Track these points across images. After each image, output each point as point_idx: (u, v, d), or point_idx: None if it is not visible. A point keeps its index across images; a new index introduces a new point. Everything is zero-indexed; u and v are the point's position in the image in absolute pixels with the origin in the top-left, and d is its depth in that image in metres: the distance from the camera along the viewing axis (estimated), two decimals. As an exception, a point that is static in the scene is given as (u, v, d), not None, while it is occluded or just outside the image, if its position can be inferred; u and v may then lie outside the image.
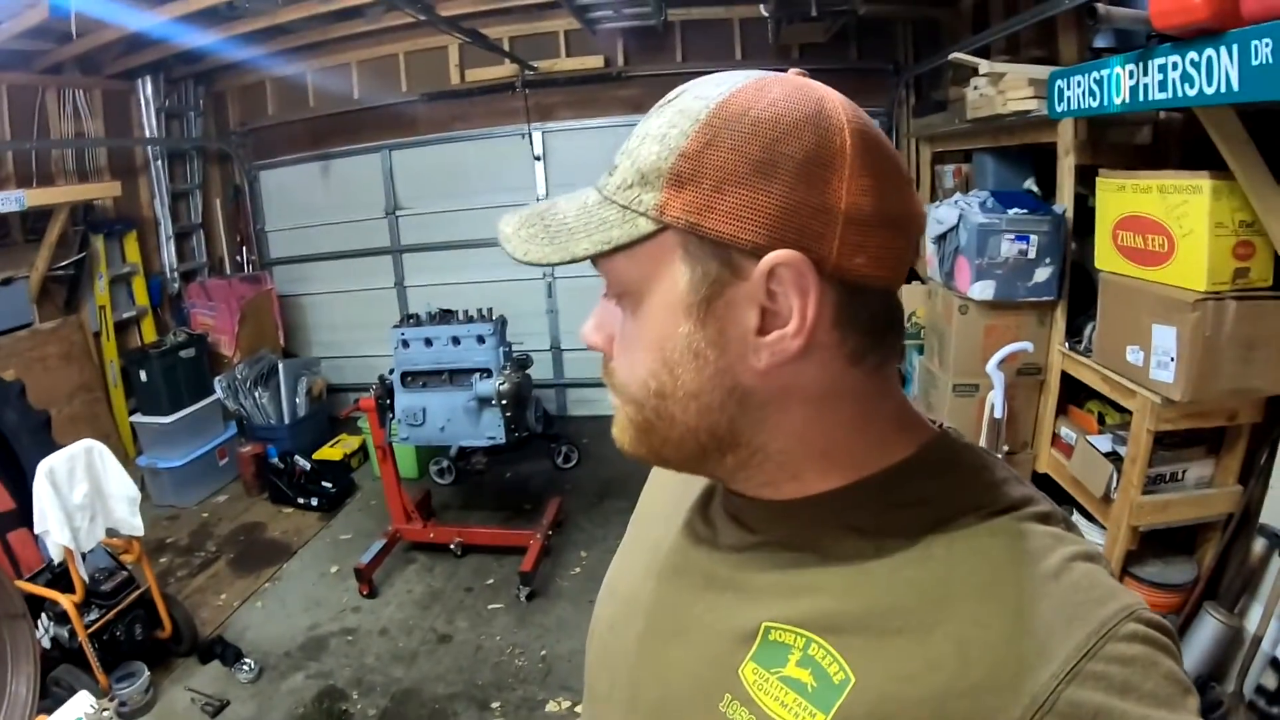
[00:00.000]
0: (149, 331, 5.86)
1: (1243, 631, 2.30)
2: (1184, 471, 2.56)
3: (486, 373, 4.39)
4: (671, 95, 0.60)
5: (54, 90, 5.14)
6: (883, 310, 0.59)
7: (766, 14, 4.30)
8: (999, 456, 0.69)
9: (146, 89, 5.75)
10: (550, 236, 0.59)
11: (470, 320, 4.57)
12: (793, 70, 0.60)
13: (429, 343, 4.48)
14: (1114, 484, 2.62)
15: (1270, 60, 1.57)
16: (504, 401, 4.19)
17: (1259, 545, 2.34)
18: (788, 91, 0.56)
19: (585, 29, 5.16)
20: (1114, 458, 2.68)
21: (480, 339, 4.43)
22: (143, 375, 5.23)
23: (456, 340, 4.45)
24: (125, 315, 5.72)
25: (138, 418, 5.31)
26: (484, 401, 4.30)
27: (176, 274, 6.13)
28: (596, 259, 0.59)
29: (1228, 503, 2.53)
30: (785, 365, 0.57)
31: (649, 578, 0.74)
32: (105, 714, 1.88)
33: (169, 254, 6.07)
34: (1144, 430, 2.44)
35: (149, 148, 5.86)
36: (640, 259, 0.58)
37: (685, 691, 0.65)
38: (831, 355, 0.58)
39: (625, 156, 0.59)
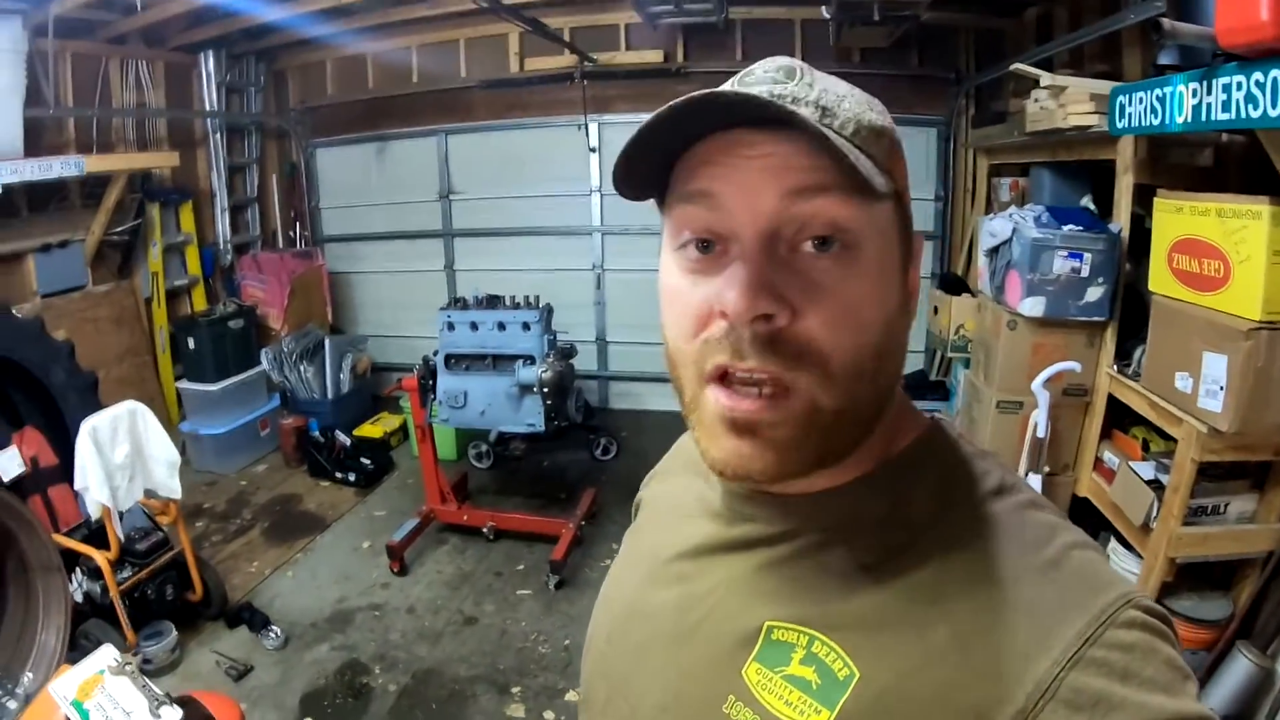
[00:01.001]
0: (199, 300, 6.01)
1: (1275, 674, 2.23)
2: (1226, 505, 2.49)
3: (530, 360, 4.42)
4: (795, 69, 0.58)
5: (117, 60, 5.28)
6: None
7: (828, 16, 4.25)
8: (980, 444, 0.67)
9: (208, 63, 5.88)
10: (856, 157, 0.53)
11: (517, 307, 4.60)
12: None
13: (474, 327, 4.52)
14: (1154, 513, 2.56)
15: (1341, 84, 1.51)
16: (545, 389, 4.21)
17: (1300, 585, 2.27)
18: None
19: (646, 23, 5.15)
20: (1156, 486, 2.62)
21: (525, 326, 4.45)
22: (191, 343, 5.37)
23: (502, 326, 4.49)
24: (177, 283, 5.86)
25: (184, 384, 5.44)
26: (525, 388, 4.32)
27: (230, 246, 6.27)
28: (864, 191, 0.53)
29: (1269, 540, 2.45)
30: (909, 328, 0.63)
31: (647, 585, 0.74)
32: (129, 667, 1.92)
33: (223, 226, 6.21)
34: (1188, 459, 2.37)
35: (208, 121, 5.99)
36: (876, 213, 0.56)
37: (688, 696, 0.64)
38: None
39: (834, 105, 0.57)
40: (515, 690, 3.29)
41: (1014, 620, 0.52)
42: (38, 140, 4.73)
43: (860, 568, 0.59)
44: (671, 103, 0.53)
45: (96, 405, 4.22)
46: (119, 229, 5.27)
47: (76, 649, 3.06)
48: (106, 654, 1.99)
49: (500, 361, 4.52)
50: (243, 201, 6.47)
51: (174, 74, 5.72)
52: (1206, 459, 2.35)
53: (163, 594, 3.47)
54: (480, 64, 6.08)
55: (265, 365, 5.72)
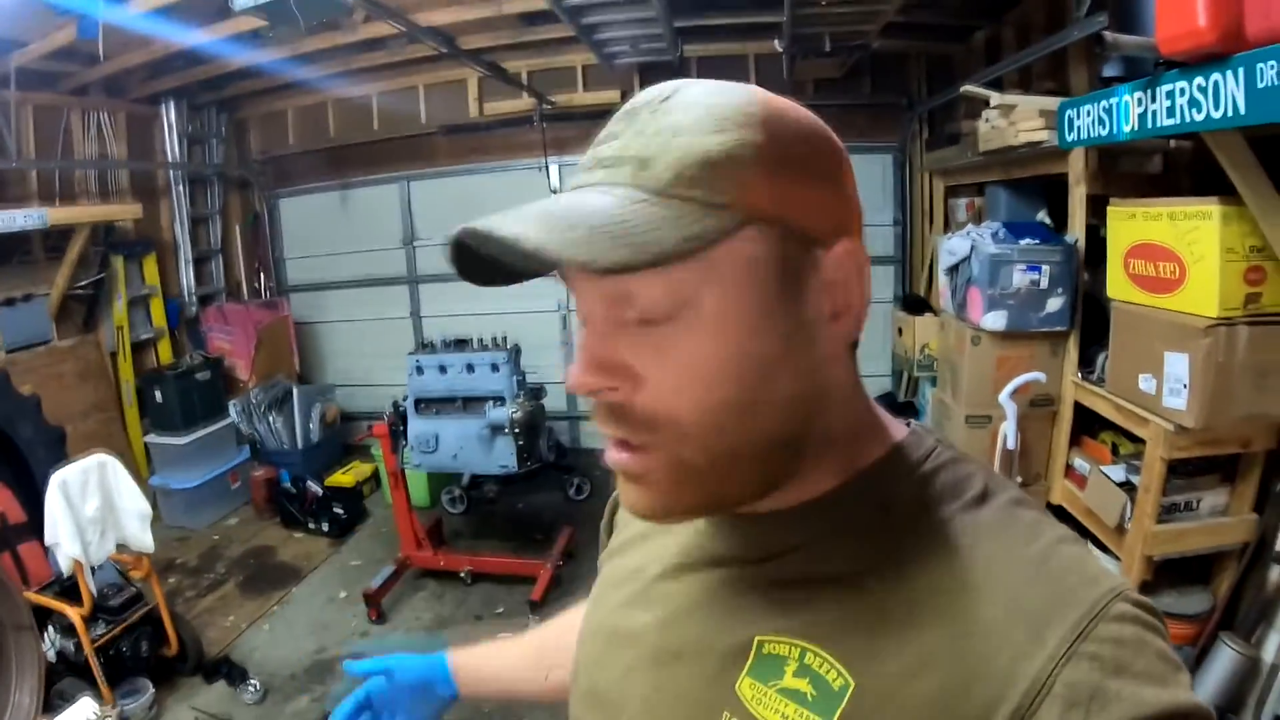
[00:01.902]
0: (165, 353, 5.92)
1: (1260, 662, 2.26)
2: (1198, 501, 2.54)
3: (500, 400, 4.41)
4: (664, 92, 0.56)
5: (79, 111, 5.25)
6: None
7: (781, 49, 4.36)
8: (959, 448, 0.66)
9: (170, 114, 5.87)
10: (615, 237, 0.49)
11: (485, 348, 4.60)
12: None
13: (443, 369, 4.52)
14: (1128, 514, 2.60)
15: (1275, 82, 1.58)
16: (517, 430, 4.21)
17: (1275, 574, 2.31)
18: (788, 101, 0.58)
19: (603, 64, 5.24)
20: (1128, 487, 2.66)
21: (494, 367, 4.46)
22: (158, 395, 5.29)
23: (471, 368, 4.49)
24: (142, 336, 5.78)
25: (152, 437, 5.35)
26: (496, 429, 4.32)
27: (195, 297, 6.21)
28: (664, 264, 0.50)
29: (1243, 531, 2.50)
30: (838, 354, 0.59)
31: (632, 608, 0.72)
32: (108, 719, 1.88)
33: (188, 277, 6.15)
34: (1157, 459, 2.42)
35: (170, 171, 5.96)
36: (718, 258, 0.52)
37: (681, 715, 0.63)
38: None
39: (660, 150, 0.53)
40: (502, 736, 3.23)
41: (1005, 620, 0.52)
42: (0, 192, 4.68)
43: (845, 578, 0.58)
44: (447, 244, 0.53)
45: (65, 460, 4.15)
46: (83, 282, 5.19)
47: (51, 709, 2.97)
48: (86, 706, 1.95)
49: (470, 404, 4.51)
50: (206, 253, 6.42)
51: (135, 125, 5.70)
52: (1175, 457, 2.39)
53: (138, 650, 3.39)
54: (440, 109, 6.13)
55: (233, 417, 5.65)
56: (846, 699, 0.54)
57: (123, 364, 5.53)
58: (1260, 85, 1.63)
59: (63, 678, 3.18)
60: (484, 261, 0.55)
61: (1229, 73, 1.72)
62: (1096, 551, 2.86)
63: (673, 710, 0.64)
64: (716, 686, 0.61)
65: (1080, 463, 3.09)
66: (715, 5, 4.38)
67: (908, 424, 0.67)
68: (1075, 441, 3.17)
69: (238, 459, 5.63)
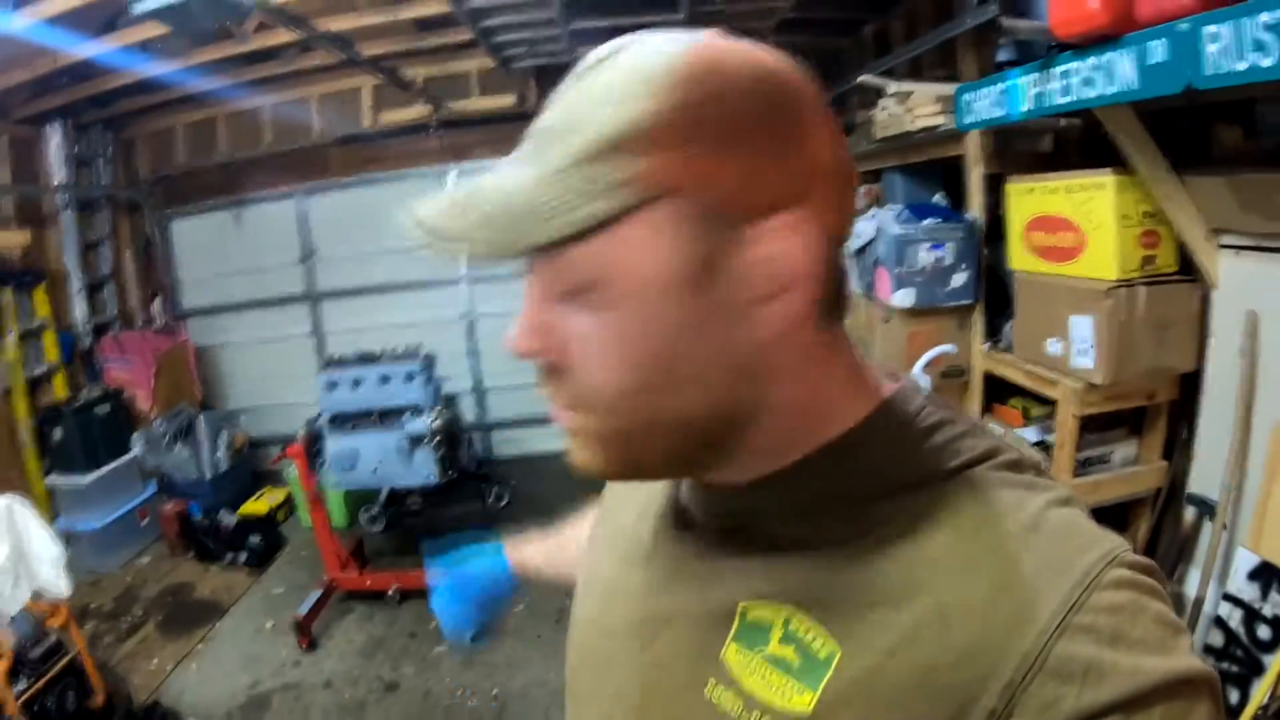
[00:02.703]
0: (60, 389, 5.56)
1: (1183, 597, 2.42)
2: (1111, 453, 2.71)
3: (417, 411, 4.35)
4: (604, 52, 0.54)
5: (-41, 137, 4.91)
6: (840, 261, 0.57)
7: (678, 47, 4.42)
8: (954, 407, 0.64)
9: (55, 135, 5.55)
10: (507, 223, 0.50)
11: (397, 359, 4.54)
12: (708, 30, 0.55)
13: (357, 384, 4.46)
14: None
15: (1166, 58, 1.71)
16: (437, 439, 4.17)
17: (1189, 514, 2.48)
18: (740, 47, 0.53)
19: (500, 68, 5.22)
20: (1042, 446, 2.82)
21: (409, 376, 4.43)
22: (57, 434, 5.02)
23: (385, 379, 4.44)
24: (36, 372, 5.41)
25: (53, 478, 5.06)
26: (416, 440, 4.27)
27: (89, 328, 5.87)
28: (555, 246, 0.50)
29: (1155, 478, 2.67)
30: (788, 331, 0.54)
31: (624, 566, 0.72)
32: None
33: (80, 308, 5.81)
34: (1069, 416, 2.57)
35: (58, 196, 5.64)
36: (623, 236, 0.50)
37: (669, 681, 0.63)
38: (810, 316, 0.56)
39: (574, 125, 0.51)
40: (452, 749, 3.19)
41: (995, 592, 0.50)
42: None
43: (829, 543, 0.57)
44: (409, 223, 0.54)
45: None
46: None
47: None
48: None
49: (387, 416, 4.44)
50: (99, 280, 6.09)
51: (19, 148, 5.35)
52: (1087, 413, 2.55)
53: (63, 703, 3.21)
54: (335, 120, 5.98)
55: (137, 451, 5.38)
56: (832, 668, 0.54)
57: (17, 403, 5.18)
58: (1151, 62, 1.76)
59: None
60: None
61: (1121, 51, 1.85)
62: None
63: (660, 677, 0.64)
64: (703, 653, 0.61)
65: (994, 428, 3.25)
66: (611, 7, 4.42)
67: (898, 379, 0.64)
68: (987, 409, 3.33)
69: (145, 494, 5.38)
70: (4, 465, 4.98)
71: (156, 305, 6.49)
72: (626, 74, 0.51)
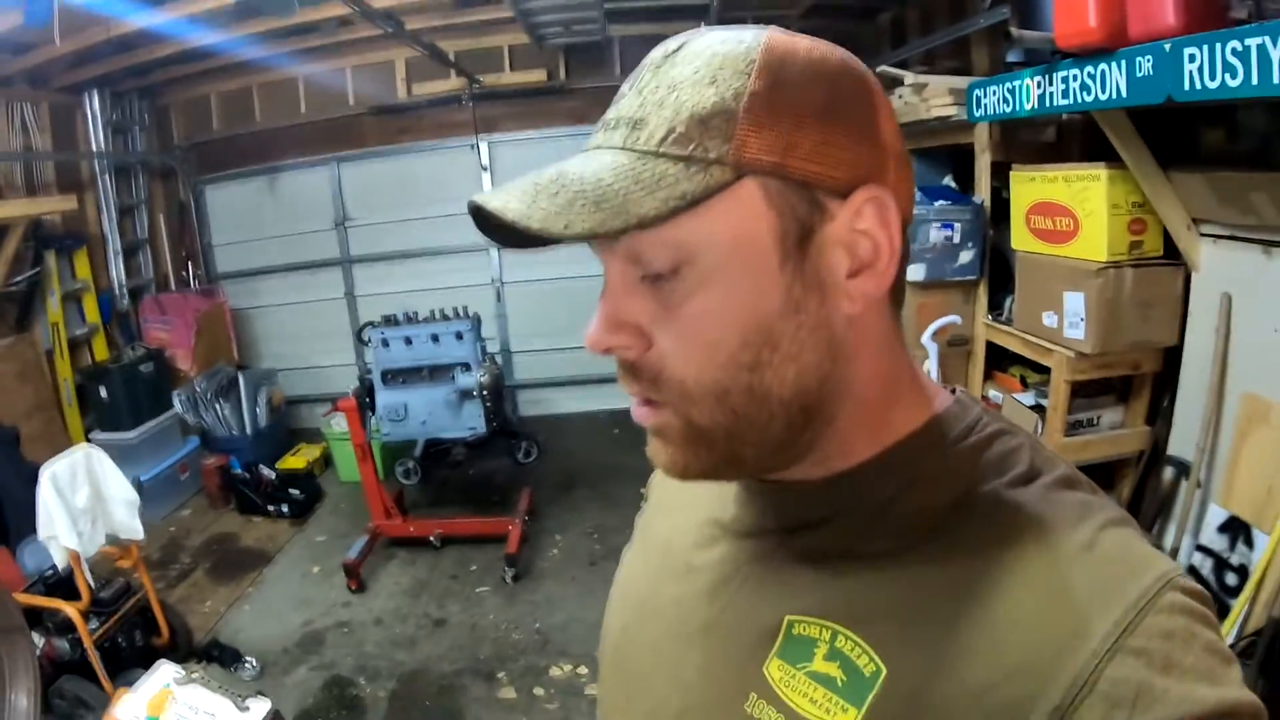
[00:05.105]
0: (100, 349, 5.85)
1: (1161, 548, 2.71)
2: (1099, 417, 3.01)
3: (466, 367, 4.64)
4: (673, 45, 0.55)
5: (2, 104, 5.12)
6: (906, 248, 0.58)
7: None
8: (1007, 419, 0.63)
9: (93, 103, 5.75)
10: (594, 202, 0.50)
11: (447, 319, 4.82)
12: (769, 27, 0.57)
13: (409, 341, 4.72)
14: (1040, 431, 3.05)
15: (1151, 72, 1.99)
16: (485, 393, 4.45)
17: (1168, 474, 2.77)
18: (810, 39, 0.55)
19: (533, 43, 5.43)
20: (1038, 409, 3.12)
21: (459, 335, 4.70)
22: (103, 392, 5.26)
23: (436, 338, 4.71)
24: (77, 333, 5.69)
25: (98, 434, 5.28)
26: (465, 394, 4.56)
27: (125, 290, 6.13)
28: (649, 227, 0.50)
29: (1138, 441, 2.98)
30: (865, 310, 0.55)
31: (661, 578, 0.71)
32: (195, 675, 2.06)
33: (118, 270, 6.06)
34: (1062, 381, 2.87)
35: (95, 162, 5.86)
36: (715, 215, 0.51)
37: (708, 695, 0.62)
38: (886, 299, 0.57)
39: (655, 108, 0.53)
40: (501, 675, 3.52)
41: (1047, 612, 0.50)
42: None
43: (879, 557, 0.56)
44: (470, 209, 0.53)
45: (20, 460, 4.14)
46: (15, 280, 5.09)
47: (51, 710, 3.03)
48: (166, 671, 2.10)
49: (436, 372, 4.72)
50: (134, 244, 6.34)
51: (59, 115, 5.56)
52: (1077, 379, 2.84)
53: (132, 641, 3.42)
54: (368, 90, 6.21)
55: (179, 408, 5.66)
56: (878, 686, 0.53)
57: (60, 362, 5.44)
58: (1139, 74, 2.03)
59: (54, 679, 3.16)
60: (505, 227, 0.52)
61: (1114, 63, 2.12)
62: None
63: (699, 691, 0.63)
64: (744, 667, 0.60)
65: (994, 393, 3.56)
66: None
67: (952, 391, 0.64)
68: (989, 375, 3.62)
69: (186, 449, 5.64)
70: (48, 422, 5.24)
71: (189, 270, 6.74)
72: (709, 59, 0.52)
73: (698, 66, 0.52)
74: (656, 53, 0.56)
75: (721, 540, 0.67)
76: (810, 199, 0.52)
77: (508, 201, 0.51)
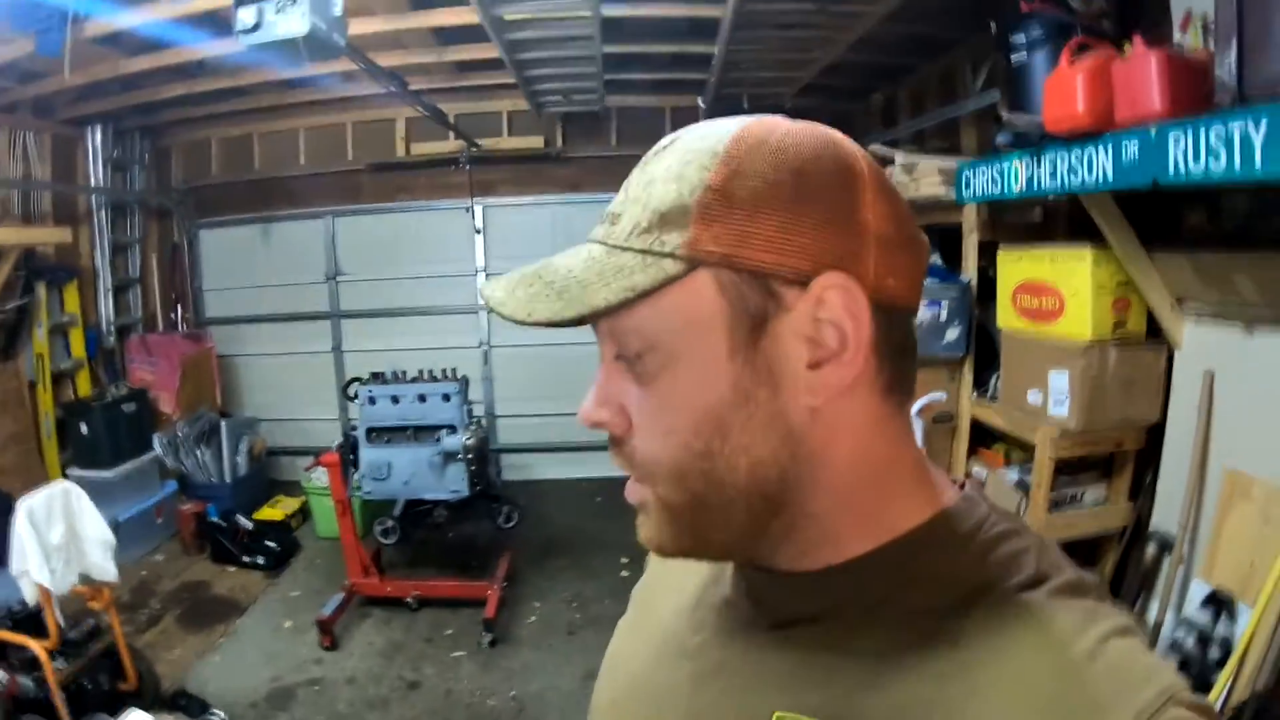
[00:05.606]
0: (83, 385, 5.79)
1: (1145, 625, 2.69)
2: (1082, 494, 3.04)
3: (451, 429, 4.63)
4: (665, 142, 0.58)
5: (4, 130, 5.15)
6: (908, 336, 0.58)
7: (703, 105, 4.79)
8: (1022, 519, 0.62)
9: (95, 137, 5.80)
10: (558, 292, 0.54)
11: (434, 380, 4.82)
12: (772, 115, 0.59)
13: (395, 400, 4.71)
14: (1024, 508, 3.07)
15: (1136, 157, 2.06)
16: (469, 456, 4.44)
17: (1151, 549, 2.78)
18: (794, 124, 0.56)
19: (532, 110, 5.56)
20: (1021, 486, 3.14)
21: (446, 397, 4.70)
22: (84, 428, 5.21)
23: (423, 398, 4.71)
24: (61, 366, 5.63)
25: (75, 470, 5.19)
26: (449, 456, 4.54)
27: (113, 328, 6.09)
28: (609, 315, 0.53)
29: (1121, 516, 3.01)
30: (833, 401, 0.54)
31: (655, 660, 0.70)
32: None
33: (107, 307, 6.04)
34: (1046, 458, 2.90)
35: (93, 197, 5.89)
36: (668, 306, 0.53)
37: None
38: (869, 388, 0.56)
39: (630, 204, 0.56)
40: (474, 743, 3.42)
41: None
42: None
43: (873, 657, 0.54)
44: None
45: (-1, 493, 4.06)
46: (4, 308, 5.04)
47: None
48: (136, 718, 2.02)
49: (421, 432, 4.70)
50: (125, 282, 6.33)
51: (60, 147, 5.60)
52: (1062, 456, 2.88)
53: (98, 684, 3.34)
54: (368, 147, 6.32)
55: (159, 450, 5.60)
56: None
57: (42, 395, 5.38)
58: (1125, 159, 2.11)
59: (17, 717, 3.08)
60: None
61: (1101, 147, 2.20)
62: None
63: None
64: None
65: (978, 470, 3.58)
66: (640, 61, 4.76)
67: (961, 485, 0.62)
68: (973, 451, 3.65)
69: (163, 493, 5.56)
70: (26, 455, 5.15)
71: (178, 312, 6.73)
72: (681, 154, 0.54)
73: (670, 163, 0.55)
74: (654, 148, 0.59)
75: (716, 627, 0.66)
76: (765, 289, 0.52)
77: (495, 290, 0.57)
